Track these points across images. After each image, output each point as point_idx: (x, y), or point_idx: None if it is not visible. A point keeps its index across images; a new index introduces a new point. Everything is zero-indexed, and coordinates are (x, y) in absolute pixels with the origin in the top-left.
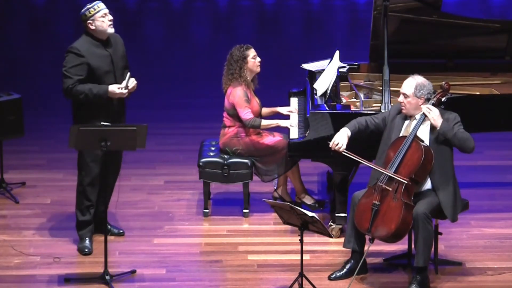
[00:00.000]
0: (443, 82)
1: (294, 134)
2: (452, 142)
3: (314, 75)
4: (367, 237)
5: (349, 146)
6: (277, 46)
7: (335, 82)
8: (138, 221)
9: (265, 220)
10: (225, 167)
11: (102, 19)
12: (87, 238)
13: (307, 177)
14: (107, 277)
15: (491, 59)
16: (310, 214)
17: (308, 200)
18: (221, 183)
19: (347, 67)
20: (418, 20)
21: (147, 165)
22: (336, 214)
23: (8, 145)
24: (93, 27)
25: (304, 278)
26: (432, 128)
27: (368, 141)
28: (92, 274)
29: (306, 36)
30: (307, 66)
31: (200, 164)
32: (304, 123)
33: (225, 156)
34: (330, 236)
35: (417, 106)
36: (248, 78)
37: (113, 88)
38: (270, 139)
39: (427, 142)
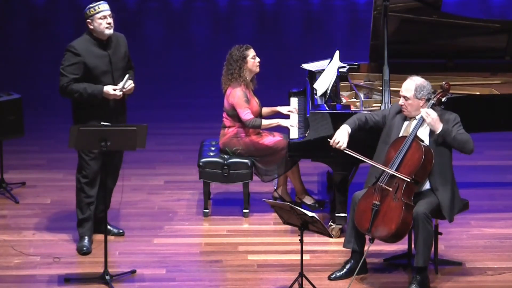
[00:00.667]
0: (443, 82)
1: (294, 134)
2: (452, 145)
3: (314, 75)
4: (367, 237)
5: (349, 146)
6: (277, 46)
7: (335, 82)
8: (138, 221)
9: (265, 220)
10: (225, 167)
11: (100, 21)
12: (86, 237)
13: (307, 177)
14: (107, 277)
15: (491, 59)
16: (310, 214)
17: (308, 200)
18: (221, 183)
19: (347, 67)
20: (418, 20)
21: (147, 165)
22: (336, 214)
23: (8, 145)
24: (91, 27)
25: (304, 278)
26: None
27: (368, 141)
28: (92, 274)
29: (306, 36)
30: (307, 66)
31: (200, 164)
32: (304, 123)
33: (225, 156)
34: (330, 236)
35: (418, 107)
36: (247, 78)
37: (108, 89)
38: (270, 139)
39: (426, 143)
